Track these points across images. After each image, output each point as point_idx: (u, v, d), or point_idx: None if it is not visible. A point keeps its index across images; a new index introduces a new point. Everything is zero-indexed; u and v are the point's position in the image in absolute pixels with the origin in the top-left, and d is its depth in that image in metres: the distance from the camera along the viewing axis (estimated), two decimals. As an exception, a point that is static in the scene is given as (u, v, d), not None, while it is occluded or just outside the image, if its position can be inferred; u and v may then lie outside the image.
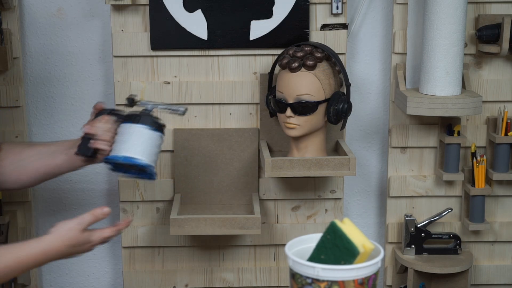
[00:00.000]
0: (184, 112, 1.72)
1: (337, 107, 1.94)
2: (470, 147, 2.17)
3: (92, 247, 1.54)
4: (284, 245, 2.10)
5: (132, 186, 2.15)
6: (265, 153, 2.00)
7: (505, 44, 2.03)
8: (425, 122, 2.17)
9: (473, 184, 2.15)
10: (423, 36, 1.99)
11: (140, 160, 1.61)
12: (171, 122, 2.11)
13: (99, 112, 1.71)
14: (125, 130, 1.63)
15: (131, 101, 1.72)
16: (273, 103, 2.01)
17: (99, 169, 2.25)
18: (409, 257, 2.17)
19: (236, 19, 2.06)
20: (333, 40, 2.09)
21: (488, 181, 2.18)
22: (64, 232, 1.49)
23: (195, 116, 2.13)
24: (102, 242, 1.55)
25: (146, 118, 1.64)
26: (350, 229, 1.30)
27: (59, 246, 1.49)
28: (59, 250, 1.49)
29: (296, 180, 2.17)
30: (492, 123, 2.17)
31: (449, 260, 2.16)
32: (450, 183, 2.21)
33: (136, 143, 1.61)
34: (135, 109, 1.71)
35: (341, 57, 2.08)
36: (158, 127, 1.66)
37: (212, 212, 2.09)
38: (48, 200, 2.28)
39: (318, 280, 1.27)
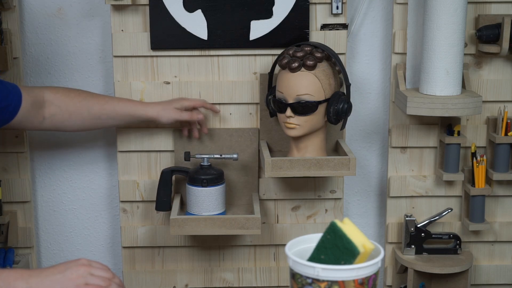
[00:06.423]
0: (237, 158, 2.05)
1: (337, 107, 1.94)
2: (470, 147, 2.17)
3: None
4: (284, 245, 2.11)
5: (132, 186, 2.15)
6: (265, 153, 2.00)
7: (505, 44, 2.03)
8: (425, 122, 2.17)
9: (473, 184, 2.15)
10: (423, 36, 1.99)
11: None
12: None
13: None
14: (194, 192, 2.01)
15: (187, 157, 2.05)
16: (273, 103, 2.01)
17: (99, 169, 2.25)
18: (409, 257, 2.17)
19: (236, 19, 2.06)
20: (333, 40, 2.09)
21: (488, 181, 2.18)
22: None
23: (195, 116, 2.12)
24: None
25: (210, 179, 2.00)
26: (350, 229, 1.30)
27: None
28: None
29: (296, 180, 2.17)
30: (492, 123, 2.17)
31: (449, 260, 2.16)
32: (450, 183, 2.21)
33: (209, 201, 2.01)
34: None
35: (341, 57, 2.08)
36: (219, 181, 2.02)
37: (212, 212, 2.09)
38: (48, 200, 2.28)
39: (318, 280, 1.27)
